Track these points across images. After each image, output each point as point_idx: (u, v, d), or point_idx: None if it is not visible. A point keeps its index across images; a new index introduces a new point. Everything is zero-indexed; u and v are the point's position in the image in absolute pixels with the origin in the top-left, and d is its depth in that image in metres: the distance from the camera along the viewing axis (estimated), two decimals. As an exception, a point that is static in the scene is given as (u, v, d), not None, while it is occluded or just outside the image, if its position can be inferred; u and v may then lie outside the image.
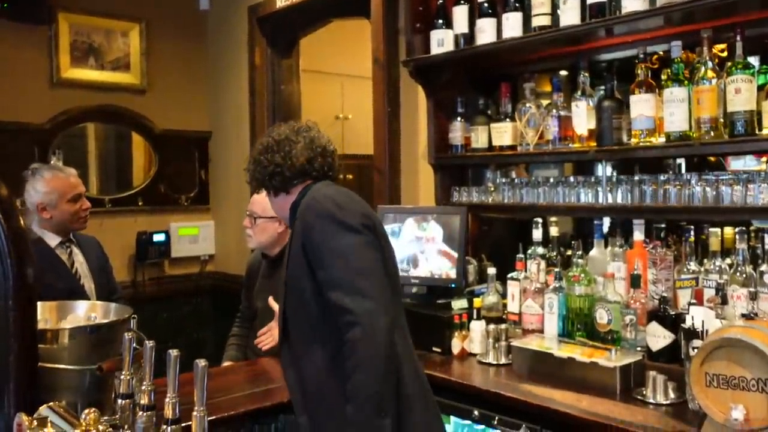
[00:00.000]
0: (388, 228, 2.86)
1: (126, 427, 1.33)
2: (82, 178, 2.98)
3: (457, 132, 3.05)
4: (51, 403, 1.38)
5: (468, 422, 2.31)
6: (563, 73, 2.82)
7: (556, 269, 2.52)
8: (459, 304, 2.67)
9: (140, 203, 4.67)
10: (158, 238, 4.63)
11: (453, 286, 2.72)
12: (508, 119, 2.88)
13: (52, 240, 2.85)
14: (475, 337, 2.55)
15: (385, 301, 1.72)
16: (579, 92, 2.58)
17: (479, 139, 2.97)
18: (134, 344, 1.45)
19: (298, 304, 1.85)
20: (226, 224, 4.80)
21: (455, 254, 2.71)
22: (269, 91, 4.43)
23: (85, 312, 1.98)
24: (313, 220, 1.80)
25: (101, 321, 1.90)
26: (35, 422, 1.25)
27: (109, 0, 4.44)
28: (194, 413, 1.12)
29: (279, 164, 1.91)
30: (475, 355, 2.53)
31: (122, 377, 1.40)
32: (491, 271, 2.71)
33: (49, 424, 1.25)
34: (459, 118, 3.05)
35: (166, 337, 3.98)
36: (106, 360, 1.72)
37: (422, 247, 2.78)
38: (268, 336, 2.53)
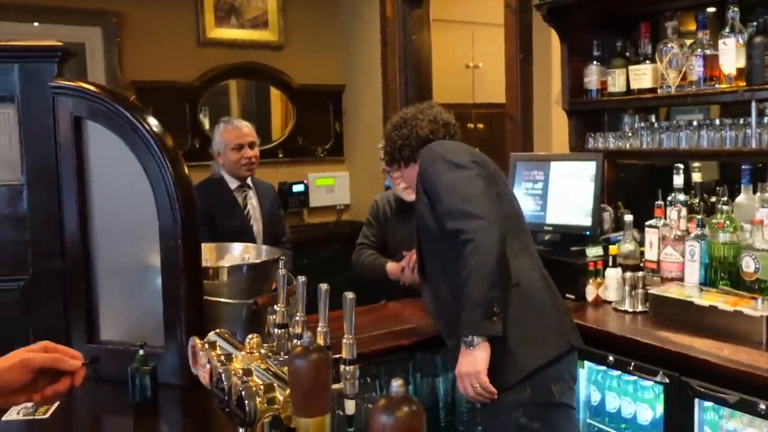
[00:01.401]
0: (521, 175, 2.86)
1: (282, 353, 1.47)
2: None
3: (592, 76, 2.96)
4: (217, 330, 1.55)
5: (603, 368, 2.32)
6: (710, 9, 2.65)
7: (699, 216, 2.42)
8: (594, 251, 2.64)
9: (280, 155, 4.92)
10: (297, 188, 4.88)
11: (587, 233, 2.69)
12: (647, 61, 2.76)
13: (232, 183, 3.21)
14: (610, 284, 2.52)
15: (493, 218, 1.88)
16: (727, 29, 2.43)
17: (616, 82, 2.87)
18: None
19: (428, 239, 2.09)
20: (360, 174, 4.95)
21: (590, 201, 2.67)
22: (400, 43, 4.47)
23: (240, 253, 2.17)
24: (427, 163, 2.04)
25: (254, 261, 2.08)
26: (206, 345, 1.41)
27: (248, -40, 4.63)
28: (344, 341, 1.22)
29: (407, 137, 2.19)
30: (610, 302, 2.51)
31: (278, 309, 1.54)
32: (628, 218, 2.65)
33: (217, 347, 1.41)
34: (595, 62, 2.96)
35: (308, 281, 4.21)
36: (260, 296, 1.89)
37: (556, 194, 2.76)
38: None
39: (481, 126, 5.29)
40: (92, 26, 4.21)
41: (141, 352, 1.71)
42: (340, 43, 5.01)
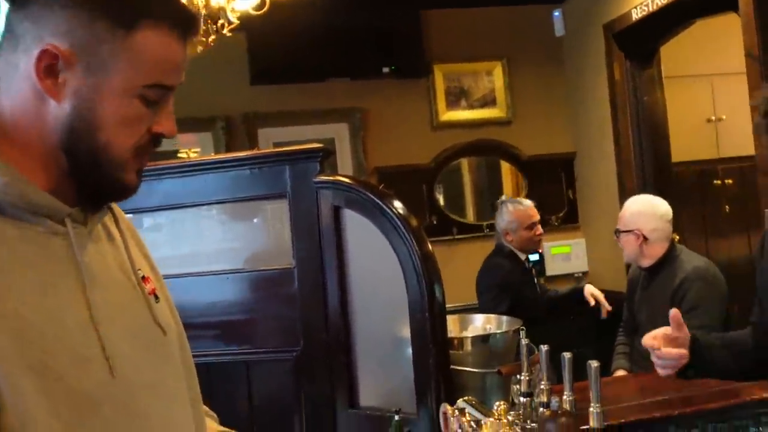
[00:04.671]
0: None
1: (529, 421, 1.51)
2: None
3: None
4: (465, 398, 1.64)
5: None
6: None
7: None
8: None
9: (514, 227, 4.99)
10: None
11: None
12: None
13: (521, 255, 3.45)
14: None
15: None
16: None
17: None
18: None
19: None
20: (598, 241, 4.83)
21: None
22: (631, 104, 4.38)
23: (482, 324, 2.26)
24: None
25: (496, 331, 2.16)
26: (456, 411, 1.51)
27: (474, 45, 4.90)
28: (591, 409, 1.24)
29: None
30: None
31: (522, 378, 1.59)
32: None
33: (467, 414, 1.50)
34: None
35: (551, 350, 4.17)
36: (503, 365, 1.96)
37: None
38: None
39: (729, 182, 4.91)
40: (341, 123, 4.73)
41: (396, 417, 1.84)
42: (569, 112, 5.03)
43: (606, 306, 3.30)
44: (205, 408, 1.08)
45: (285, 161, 2.03)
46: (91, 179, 0.88)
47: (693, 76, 5.02)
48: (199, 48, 2.93)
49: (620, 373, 2.88)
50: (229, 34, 3.16)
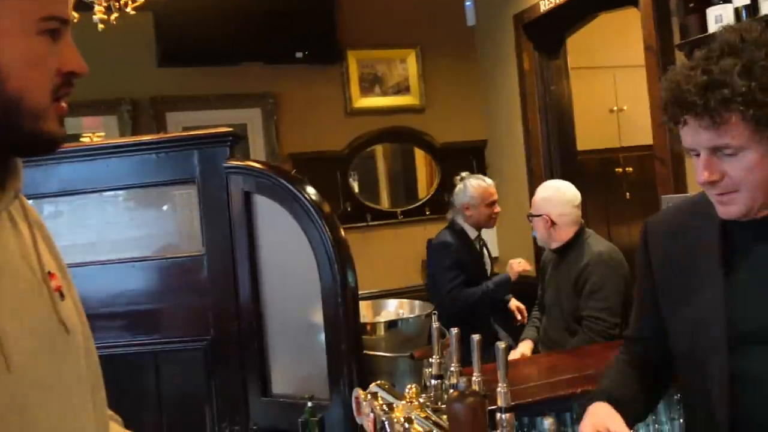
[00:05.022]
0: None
1: (439, 403, 1.54)
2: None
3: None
4: (378, 382, 1.65)
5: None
6: None
7: None
8: None
9: (427, 212, 5.06)
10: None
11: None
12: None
13: (471, 233, 3.52)
14: None
15: None
16: None
17: None
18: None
19: None
20: (508, 227, 4.96)
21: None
22: (539, 94, 4.52)
23: (395, 309, 2.28)
24: None
25: (409, 315, 2.18)
26: (369, 396, 1.51)
27: (388, 32, 4.91)
28: (498, 389, 1.27)
29: None
30: None
31: (433, 361, 1.61)
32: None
33: (379, 398, 1.51)
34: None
35: (463, 332, 4.26)
36: (416, 349, 1.98)
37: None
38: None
39: (630, 169, 5.15)
40: (253, 108, 4.65)
41: (309, 404, 1.84)
42: (480, 100, 5.14)
43: (519, 318, 3.52)
44: (110, 412, 1.04)
45: (193, 146, 1.98)
46: (13, 137, 0.85)
47: (597, 68, 5.23)
48: (101, 26, 2.80)
49: (526, 342, 3.03)
50: (132, 13, 3.03)
